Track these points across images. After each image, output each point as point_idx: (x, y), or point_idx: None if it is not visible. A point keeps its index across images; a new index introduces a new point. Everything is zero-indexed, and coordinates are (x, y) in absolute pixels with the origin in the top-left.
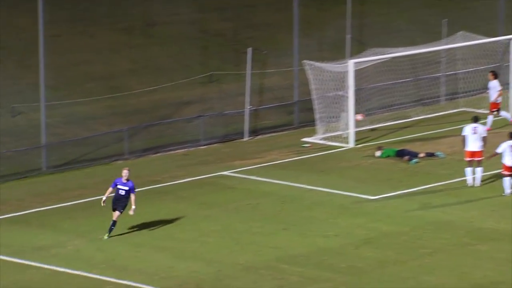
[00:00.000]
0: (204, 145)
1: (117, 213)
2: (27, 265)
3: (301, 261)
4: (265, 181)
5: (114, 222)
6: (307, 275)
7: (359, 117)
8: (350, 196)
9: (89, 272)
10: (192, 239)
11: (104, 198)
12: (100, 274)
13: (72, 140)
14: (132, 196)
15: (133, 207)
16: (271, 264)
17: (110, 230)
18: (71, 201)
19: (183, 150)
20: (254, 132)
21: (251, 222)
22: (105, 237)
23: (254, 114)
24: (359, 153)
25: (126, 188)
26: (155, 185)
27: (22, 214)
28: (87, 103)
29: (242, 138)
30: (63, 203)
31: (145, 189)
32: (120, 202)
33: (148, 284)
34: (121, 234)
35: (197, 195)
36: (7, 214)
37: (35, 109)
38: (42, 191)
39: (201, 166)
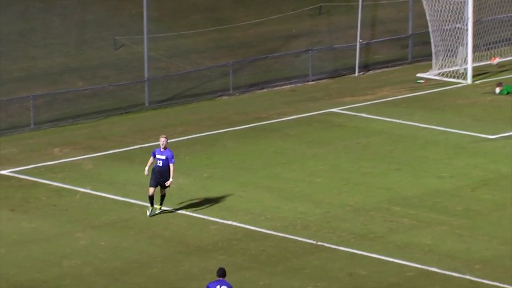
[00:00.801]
0: (313, 81)
1: (152, 189)
2: (130, 203)
3: (414, 203)
4: (376, 119)
5: (151, 198)
6: (420, 218)
7: (495, 60)
8: (467, 135)
9: (193, 212)
10: (299, 179)
11: (146, 168)
12: (204, 214)
13: (175, 74)
14: (171, 167)
15: (171, 179)
16: (382, 205)
17: (151, 206)
18: (175, 138)
19: (290, 85)
20: (365, 67)
21: (361, 162)
22: (147, 214)
23: (366, 48)
24: (477, 89)
25: (164, 157)
26: (261, 122)
27: (125, 150)
28: (191, 35)
29: (353, 73)
30: None
31: (251, 126)
32: (160, 176)
33: (253, 225)
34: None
35: (305, 133)
36: (110, 150)
37: (138, 41)
38: (144, 127)
39: (309, 102)
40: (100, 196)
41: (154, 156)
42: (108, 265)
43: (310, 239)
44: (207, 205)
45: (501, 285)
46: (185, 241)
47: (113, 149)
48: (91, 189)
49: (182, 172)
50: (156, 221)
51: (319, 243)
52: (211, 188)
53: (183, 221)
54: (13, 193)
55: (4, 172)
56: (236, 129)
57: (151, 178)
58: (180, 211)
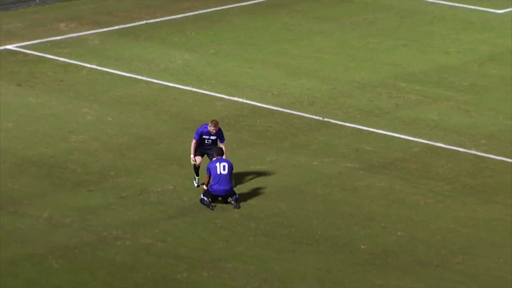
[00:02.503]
0: None
1: (199, 158)
2: (137, 79)
3: (420, 78)
4: None
5: (197, 168)
6: (426, 94)
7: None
8: (475, 10)
9: (199, 88)
10: (306, 55)
11: (192, 155)
12: (211, 90)
13: None
14: (223, 147)
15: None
16: (388, 81)
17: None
18: (181, 14)
19: None
20: None
21: (368, 38)
22: (195, 184)
23: None
24: None
25: (214, 138)
26: None
27: (131, 26)
28: None
29: None
30: (172, 16)
31: (257, 2)
32: (207, 148)
33: (260, 102)
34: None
35: (312, 9)
36: (115, 26)
37: None
38: (150, 3)
39: None
40: (107, 72)
41: (198, 138)
42: (115, 140)
43: (316, 115)
44: (213, 82)
45: (507, 159)
46: (192, 117)
47: (119, 25)
48: (97, 65)
49: (188, 48)
50: (162, 97)
51: (325, 119)
52: (218, 64)
53: (190, 98)
54: (19, 68)
55: (10, 47)
56: (242, 5)
57: (196, 150)
58: (186, 87)
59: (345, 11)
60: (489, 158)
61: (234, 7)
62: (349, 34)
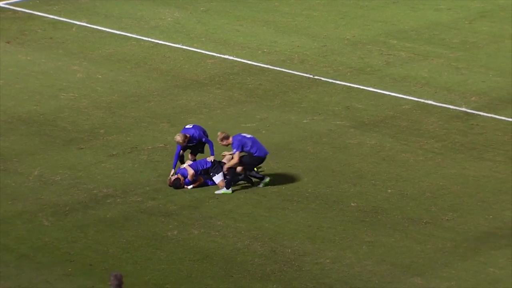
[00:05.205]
0: None
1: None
2: (127, 36)
3: (411, 36)
4: None
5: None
6: (417, 51)
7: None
8: None
9: (190, 46)
10: (296, 12)
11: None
12: (201, 48)
13: None
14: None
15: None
16: (379, 39)
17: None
18: None
19: None
20: None
21: None
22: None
23: None
24: None
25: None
26: None
27: None
28: None
29: None
30: None
31: None
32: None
33: (250, 60)
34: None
35: None
36: None
37: None
38: None
39: None
40: (96, 29)
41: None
42: (105, 98)
43: (307, 73)
44: (203, 39)
45: (497, 116)
46: (182, 75)
47: None
48: (87, 22)
49: (178, 5)
50: (152, 55)
51: (316, 77)
52: (208, 22)
53: (180, 55)
54: (8, 25)
55: None
56: None
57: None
58: (176, 45)
59: None
60: (479, 115)
61: None
62: None
